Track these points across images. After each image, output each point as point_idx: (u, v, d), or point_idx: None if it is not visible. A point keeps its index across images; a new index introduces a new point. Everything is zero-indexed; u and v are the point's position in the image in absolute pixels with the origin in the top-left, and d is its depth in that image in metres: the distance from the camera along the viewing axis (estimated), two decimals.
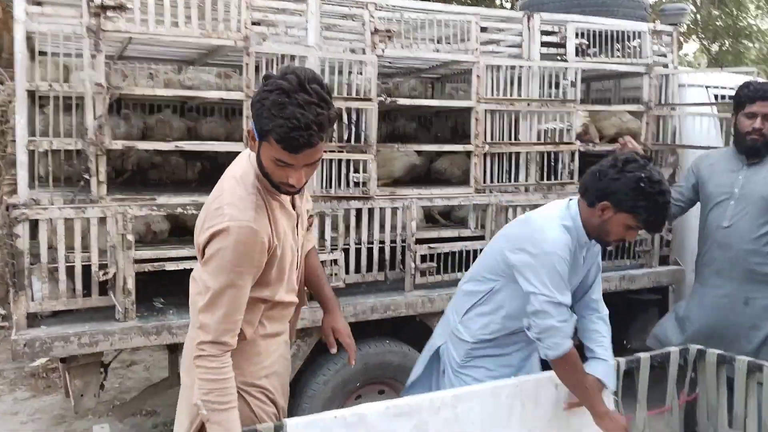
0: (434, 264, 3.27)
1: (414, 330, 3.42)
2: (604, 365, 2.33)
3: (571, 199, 2.35)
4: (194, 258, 2.69)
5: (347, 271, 3.07)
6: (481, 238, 3.41)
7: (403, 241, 3.20)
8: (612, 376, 2.34)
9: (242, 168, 1.81)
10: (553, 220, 2.27)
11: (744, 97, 3.02)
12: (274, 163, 1.70)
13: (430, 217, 3.71)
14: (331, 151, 2.95)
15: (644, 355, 2.57)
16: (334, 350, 2.16)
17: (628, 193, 2.16)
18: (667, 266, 4.02)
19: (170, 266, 2.71)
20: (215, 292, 1.73)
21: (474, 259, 3.36)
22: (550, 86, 3.51)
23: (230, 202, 1.73)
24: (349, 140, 3.02)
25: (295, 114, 1.60)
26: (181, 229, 3.18)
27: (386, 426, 2.12)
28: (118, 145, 2.76)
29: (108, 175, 2.70)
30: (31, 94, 2.72)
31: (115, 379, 4.60)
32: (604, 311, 2.47)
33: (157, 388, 3.37)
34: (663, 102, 3.92)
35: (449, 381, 2.48)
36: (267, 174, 1.74)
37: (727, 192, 3.09)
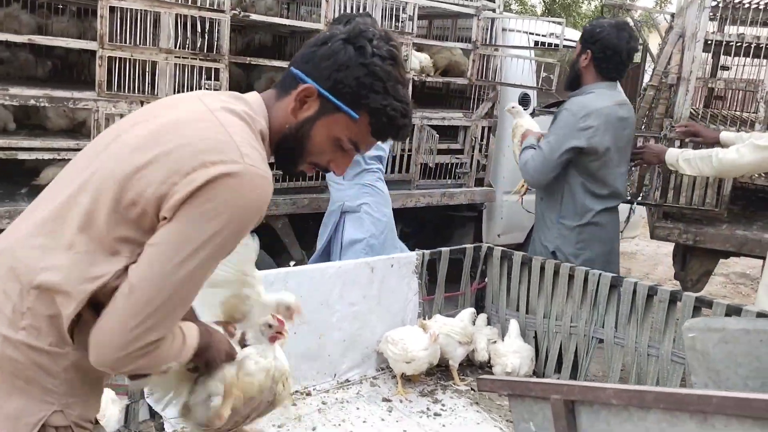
0: None
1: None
2: None
3: None
4: (48, 149, 2.84)
5: None
6: None
7: None
8: None
9: (239, 109, 1.21)
10: None
11: None
12: (336, 143, 1.28)
13: None
14: (184, 58, 3.15)
15: (445, 249, 3.16)
16: None
17: None
18: (482, 187, 4.68)
19: (23, 155, 2.84)
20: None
21: None
22: (390, 19, 3.89)
23: (246, 142, 1.15)
24: (202, 49, 3.21)
25: (404, 95, 1.28)
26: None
27: None
28: None
29: None
30: None
31: None
32: None
33: None
34: (488, 42, 4.47)
35: None
36: (308, 148, 1.28)
37: None
